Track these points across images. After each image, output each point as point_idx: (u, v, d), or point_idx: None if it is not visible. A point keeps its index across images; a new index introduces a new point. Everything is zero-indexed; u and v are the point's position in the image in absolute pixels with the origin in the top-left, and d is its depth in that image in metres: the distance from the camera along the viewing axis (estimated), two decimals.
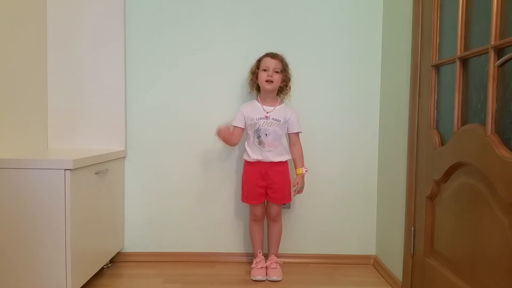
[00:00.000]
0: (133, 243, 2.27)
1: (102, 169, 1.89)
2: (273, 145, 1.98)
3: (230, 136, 1.98)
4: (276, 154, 1.99)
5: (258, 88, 2.07)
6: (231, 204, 2.28)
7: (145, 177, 2.25)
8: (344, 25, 2.22)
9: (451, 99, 1.47)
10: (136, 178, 2.25)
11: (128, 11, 2.18)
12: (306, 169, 2.03)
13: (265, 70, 1.98)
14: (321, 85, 2.24)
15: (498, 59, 1.18)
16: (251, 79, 2.06)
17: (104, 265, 2.12)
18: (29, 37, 1.97)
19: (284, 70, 2.01)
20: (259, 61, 2.03)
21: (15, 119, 1.85)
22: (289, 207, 2.26)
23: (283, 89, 2.06)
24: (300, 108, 2.18)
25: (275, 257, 2.09)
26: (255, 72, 2.03)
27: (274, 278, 1.99)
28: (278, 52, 2.03)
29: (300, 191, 2.02)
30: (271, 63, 1.97)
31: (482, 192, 1.26)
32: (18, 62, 1.87)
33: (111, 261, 2.20)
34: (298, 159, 2.04)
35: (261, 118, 1.98)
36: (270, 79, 1.96)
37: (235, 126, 2.03)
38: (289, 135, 2.06)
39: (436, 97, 1.61)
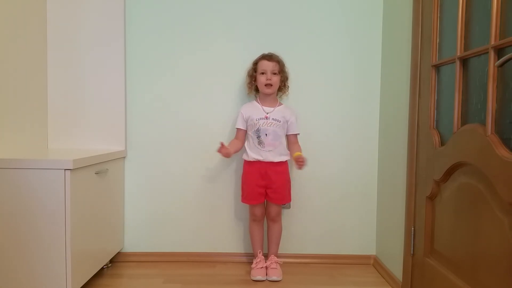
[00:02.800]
0: (133, 243, 2.27)
1: (102, 169, 1.89)
2: (273, 145, 1.98)
3: (231, 151, 1.95)
4: (275, 154, 1.99)
5: (256, 89, 2.07)
6: (231, 204, 2.28)
7: (145, 177, 2.25)
8: (344, 25, 2.22)
9: (451, 99, 1.47)
10: (136, 178, 2.25)
11: (128, 11, 2.18)
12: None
13: (263, 73, 1.98)
14: (321, 85, 2.24)
15: (498, 59, 1.18)
16: (249, 82, 2.06)
17: (104, 265, 2.12)
18: (29, 36, 1.97)
19: (281, 70, 2.02)
20: (255, 63, 2.04)
21: (15, 119, 1.85)
22: (289, 207, 2.26)
23: (281, 88, 2.07)
24: (300, 108, 2.18)
25: (275, 257, 2.08)
26: (253, 75, 2.04)
27: (274, 278, 1.99)
28: (273, 53, 2.04)
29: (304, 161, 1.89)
30: (268, 66, 1.98)
31: (482, 192, 1.26)
32: (18, 61, 1.87)
33: (111, 261, 2.20)
34: (298, 149, 1.99)
35: (261, 119, 1.98)
36: (269, 82, 1.97)
37: (238, 129, 2.05)
38: (287, 136, 2.06)
39: (436, 97, 1.61)
